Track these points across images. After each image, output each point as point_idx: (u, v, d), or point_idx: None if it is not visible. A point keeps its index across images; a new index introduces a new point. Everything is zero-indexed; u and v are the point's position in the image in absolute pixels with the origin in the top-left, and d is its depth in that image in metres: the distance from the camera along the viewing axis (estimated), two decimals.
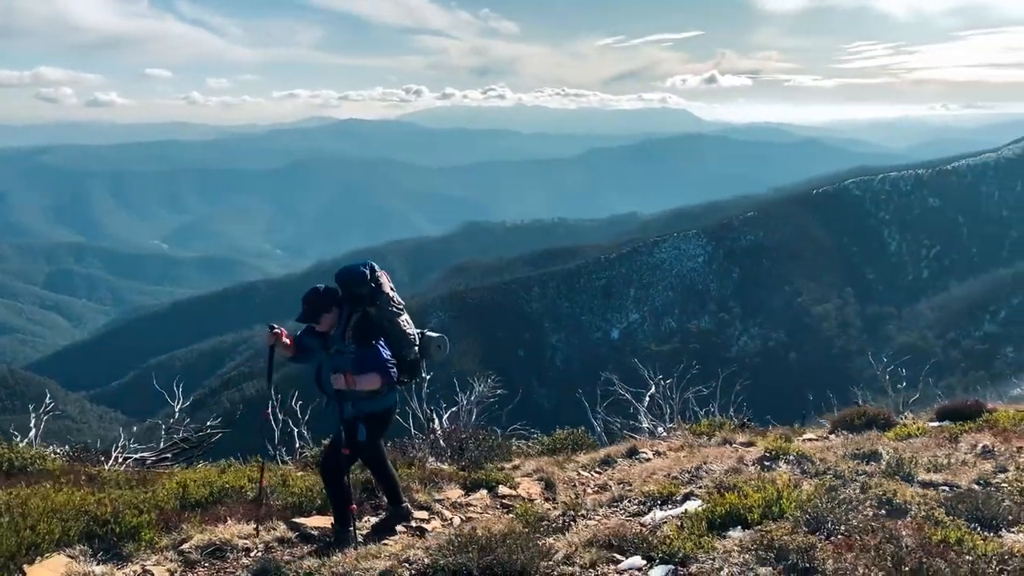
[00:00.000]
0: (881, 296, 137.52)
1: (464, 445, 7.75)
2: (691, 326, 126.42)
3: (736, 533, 4.67)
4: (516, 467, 7.57)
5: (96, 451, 9.08)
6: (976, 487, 5.37)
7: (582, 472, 7.41)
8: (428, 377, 9.00)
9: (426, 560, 4.57)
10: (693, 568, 4.26)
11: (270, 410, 6.24)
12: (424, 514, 5.93)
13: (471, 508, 6.25)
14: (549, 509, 6.06)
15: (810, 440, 8.30)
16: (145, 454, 9.26)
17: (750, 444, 8.05)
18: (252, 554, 5.14)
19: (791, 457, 6.74)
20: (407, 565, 4.62)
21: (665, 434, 9.60)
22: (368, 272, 5.31)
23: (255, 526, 5.47)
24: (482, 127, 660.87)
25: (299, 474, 7.01)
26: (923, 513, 4.60)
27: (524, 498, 6.52)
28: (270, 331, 5.34)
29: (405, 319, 5.43)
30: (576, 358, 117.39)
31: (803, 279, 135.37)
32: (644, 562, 4.43)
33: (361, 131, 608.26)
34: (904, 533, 3.76)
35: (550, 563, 4.41)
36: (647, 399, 10.84)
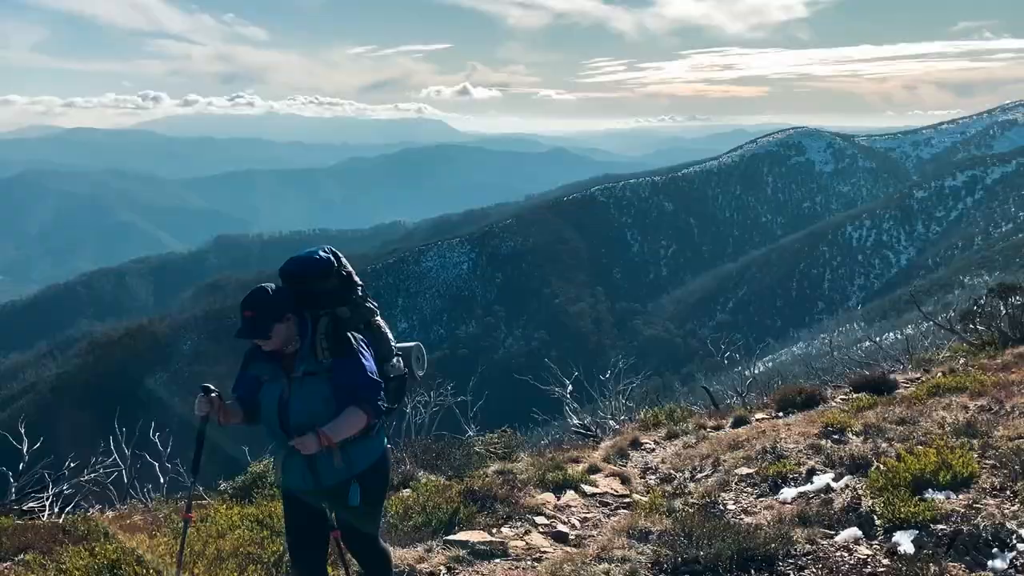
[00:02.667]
0: (628, 294, 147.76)
1: (441, 454, 7.60)
2: (459, 332, 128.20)
3: (937, 495, 4.67)
4: (578, 463, 7.54)
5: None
6: None
7: (610, 464, 7.50)
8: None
9: (650, 554, 4.57)
10: (949, 527, 4.24)
11: (192, 514, 4.58)
12: (543, 519, 5.83)
13: (573, 509, 6.17)
14: (664, 501, 5.88)
15: (770, 419, 8.56)
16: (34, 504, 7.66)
17: (718, 427, 8.55)
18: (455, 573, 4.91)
19: (857, 429, 6.84)
20: (623, 564, 4.52)
21: (618, 426, 9.95)
22: (333, 259, 3.76)
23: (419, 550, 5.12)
24: (231, 136, 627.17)
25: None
26: None
27: (613, 494, 6.52)
28: (204, 396, 3.59)
29: (382, 322, 3.95)
30: None
31: (560, 281, 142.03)
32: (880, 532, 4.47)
33: (92, 141, 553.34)
34: None
35: (792, 547, 4.41)
36: (568, 396, 11.10)
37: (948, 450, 5.23)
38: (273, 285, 3.65)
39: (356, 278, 3.83)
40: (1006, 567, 3.68)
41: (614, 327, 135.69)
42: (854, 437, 6.66)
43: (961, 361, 10.16)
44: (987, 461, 5.25)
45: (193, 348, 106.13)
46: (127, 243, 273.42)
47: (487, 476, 6.73)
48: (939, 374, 9.27)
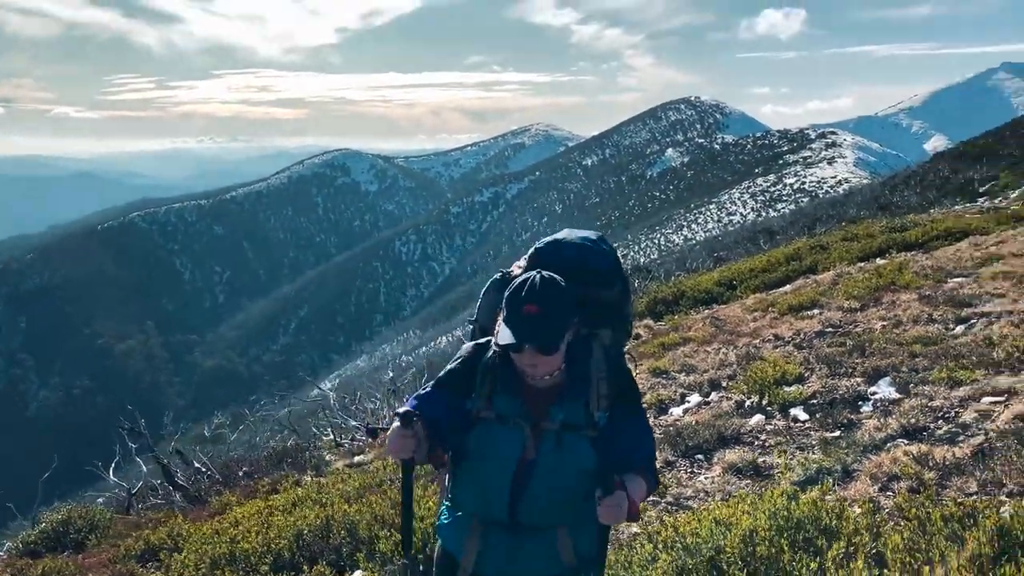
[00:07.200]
0: (183, 325, 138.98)
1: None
2: None
3: (792, 387, 6.26)
4: None
5: None
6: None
7: None
8: None
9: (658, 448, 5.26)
10: (822, 399, 5.94)
11: None
12: None
13: None
14: None
15: None
16: None
17: None
18: None
19: (676, 369, 7.92)
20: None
21: None
22: (613, 254, 2.48)
23: None
24: None
25: None
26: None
27: None
28: (403, 427, 2.15)
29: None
30: None
31: (102, 319, 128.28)
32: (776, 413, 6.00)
33: None
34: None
35: (743, 430, 5.71)
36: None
37: (777, 362, 6.85)
38: (556, 275, 2.26)
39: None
40: (872, 409, 5.52)
41: (170, 362, 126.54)
42: (678, 374, 7.76)
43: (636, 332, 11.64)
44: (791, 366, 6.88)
45: None
46: None
47: None
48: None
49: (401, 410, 2.16)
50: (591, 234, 2.52)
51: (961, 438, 4.54)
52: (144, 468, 9.69)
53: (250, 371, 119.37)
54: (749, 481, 4.67)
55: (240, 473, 7.70)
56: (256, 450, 10.39)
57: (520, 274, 2.30)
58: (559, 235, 2.50)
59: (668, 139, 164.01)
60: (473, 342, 2.45)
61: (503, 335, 2.20)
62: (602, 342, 2.41)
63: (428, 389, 2.39)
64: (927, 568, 2.59)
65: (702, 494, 4.72)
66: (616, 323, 2.48)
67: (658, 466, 5.29)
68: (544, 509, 2.31)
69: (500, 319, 2.26)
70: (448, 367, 2.41)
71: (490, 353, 2.34)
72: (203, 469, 8.32)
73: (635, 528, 4.06)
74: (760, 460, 5.06)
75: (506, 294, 2.24)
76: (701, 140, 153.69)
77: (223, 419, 10.26)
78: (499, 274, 2.49)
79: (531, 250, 2.49)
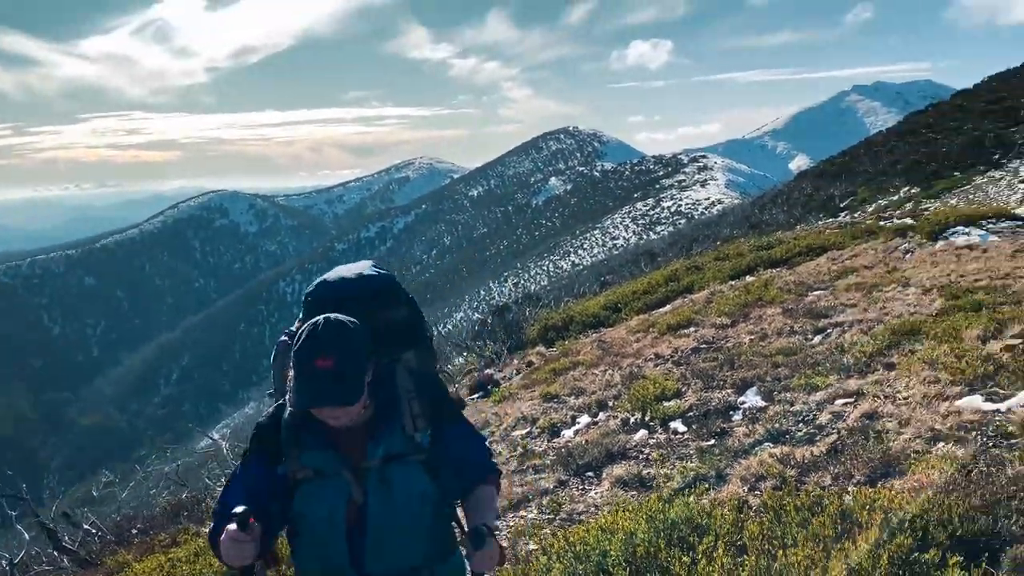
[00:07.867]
0: (55, 383, 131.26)
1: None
2: None
3: (671, 402, 6.73)
4: None
5: None
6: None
7: None
8: None
9: (552, 471, 6.04)
10: (697, 411, 6.41)
11: None
12: None
13: None
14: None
15: None
16: None
17: None
18: None
19: (565, 393, 8.31)
20: (548, 474, 6.06)
21: None
22: (389, 275, 2.41)
23: None
24: None
25: None
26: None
27: None
28: (238, 530, 1.94)
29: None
30: None
31: None
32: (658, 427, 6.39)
33: None
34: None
35: (628, 446, 6.06)
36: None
37: (657, 379, 7.33)
38: (343, 316, 2.09)
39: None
40: (742, 418, 6.00)
41: (42, 423, 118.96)
42: (568, 398, 8.13)
43: (524, 362, 11.96)
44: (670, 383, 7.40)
45: None
46: None
47: None
48: (518, 373, 11.24)
49: (239, 510, 1.94)
50: (362, 263, 2.45)
51: (818, 438, 5.05)
52: (26, 536, 9.24)
53: (132, 426, 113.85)
54: (635, 492, 5.02)
55: (134, 531, 7.52)
56: (149, 507, 10.03)
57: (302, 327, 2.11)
58: (326, 275, 2.40)
59: (550, 168, 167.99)
60: (273, 404, 2.28)
61: (295, 397, 2.03)
62: (407, 365, 2.31)
63: (238, 470, 2.23)
64: (781, 552, 2.97)
65: (592, 508, 5.03)
66: (417, 343, 2.40)
67: (551, 486, 5.59)
68: (390, 551, 2.17)
69: (290, 376, 2.07)
70: (252, 438, 2.25)
71: (287, 412, 2.18)
72: (93, 530, 8.04)
73: (532, 544, 4.32)
74: (644, 472, 5.42)
75: (293, 348, 2.05)
76: (582, 168, 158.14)
77: (112, 478, 9.86)
78: (284, 336, 2.36)
79: (303, 298, 2.37)
